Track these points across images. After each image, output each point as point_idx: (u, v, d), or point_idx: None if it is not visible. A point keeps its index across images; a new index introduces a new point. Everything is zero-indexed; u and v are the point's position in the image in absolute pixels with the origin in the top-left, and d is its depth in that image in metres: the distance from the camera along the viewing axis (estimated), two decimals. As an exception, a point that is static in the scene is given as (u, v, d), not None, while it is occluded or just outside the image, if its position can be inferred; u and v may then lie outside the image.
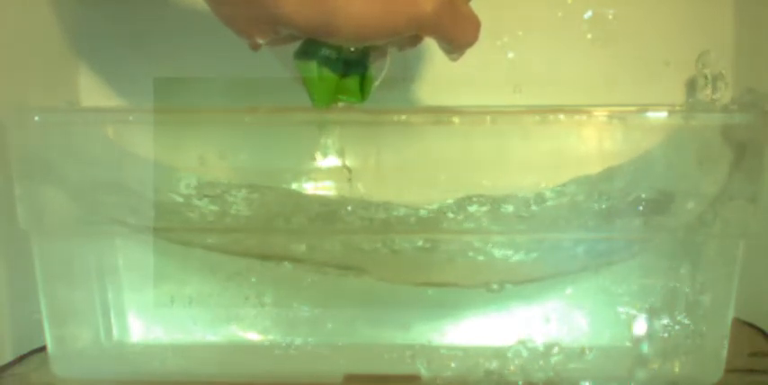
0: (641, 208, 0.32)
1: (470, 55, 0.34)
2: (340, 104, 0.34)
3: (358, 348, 0.36)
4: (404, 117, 0.33)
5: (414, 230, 0.33)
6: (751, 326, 0.41)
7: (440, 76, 0.47)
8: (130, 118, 0.34)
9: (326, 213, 0.33)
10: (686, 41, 0.47)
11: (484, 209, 0.32)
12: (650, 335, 0.34)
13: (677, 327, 0.34)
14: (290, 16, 0.29)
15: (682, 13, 0.47)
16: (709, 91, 0.41)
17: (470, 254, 0.34)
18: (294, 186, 0.34)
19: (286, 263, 0.34)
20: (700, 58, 0.41)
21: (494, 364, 0.34)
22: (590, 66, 0.47)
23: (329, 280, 0.35)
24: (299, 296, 0.36)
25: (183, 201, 0.34)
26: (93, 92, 0.48)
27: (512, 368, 0.34)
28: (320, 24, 0.29)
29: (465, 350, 0.35)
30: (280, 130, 0.34)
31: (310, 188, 0.34)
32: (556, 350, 0.34)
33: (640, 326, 0.34)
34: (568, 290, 0.35)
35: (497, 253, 0.34)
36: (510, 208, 0.32)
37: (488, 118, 0.32)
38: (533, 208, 0.33)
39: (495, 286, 0.34)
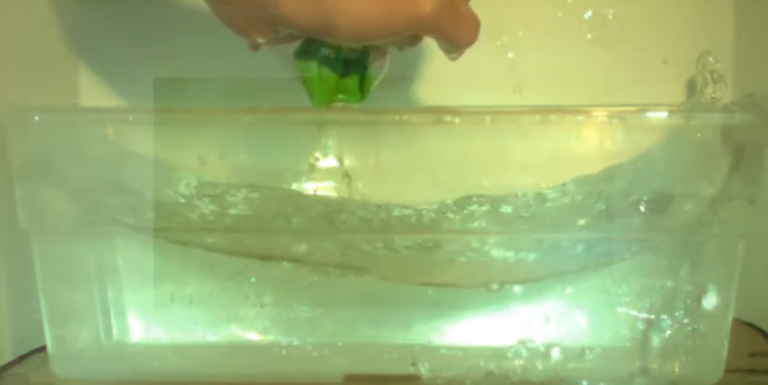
0: (641, 208, 0.32)
1: (470, 55, 0.34)
2: (339, 104, 0.34)
3: (358, 348, 0.36)
4: (403, 117, 0.32)
5: (413, 230, 0.33)
6: (751, 326, 0.41)
7: (439, 75, 0.47)
8: (130, 118, 0.34)
9: (326, 213, 0.33)
10: (686, 41, 0.47)
11: (484, 209, 0.32)
12: (650, 335, 0.34)
13: (677, 327, 0.34)
14: (290, 16, 0.29)
15: (682, 13, 0.47)
16: (709, 91, 0.41)
17: (470, 254, 0.34)
18: (294, 186, 0.34)
19: (285, 263, 0.34)
20: (699, 59, 0.41)
21: (494, 364, 0.34)
22: (590, 66, 0.47)
23: (329, 280, 0.35)
24: (298, 296, 0.36)
25: (183, 201, 0.34)
26: (93, 92, 0.48)
27: (512, 368, 0.34)
28: (320, 24, 0.29)
29: (465, 350, 0.35)
30: (280, 130, 0.34)
31: (310, 188, 0.34)
32: (556, 350, 0.34)
33: (640, 327, 0.34)
34: (568, 291, 0.35)
35: (497, 253, 0.34)
36: (510, 208, 0.32)
37: (488, 118, 0.32)
38: (533, 208, 0.32)
39: (494, 286, 0.34)
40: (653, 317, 0.34)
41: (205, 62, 0.47)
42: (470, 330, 0.36)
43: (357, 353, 0.35)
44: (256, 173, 0.34)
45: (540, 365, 0.34)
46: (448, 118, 0.32)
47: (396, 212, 0.33)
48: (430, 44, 0.34)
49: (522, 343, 0.34)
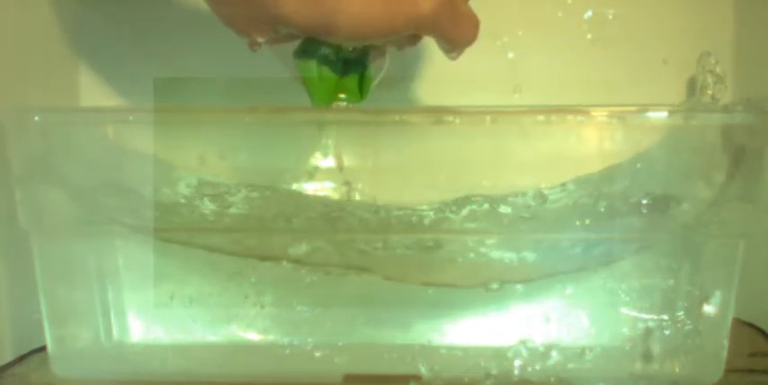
0: (641, 208, 0.32)
1: (470, 55, 0.34)
2: (339, 104, 0.34)
3: (358, 348, 0.36)
4: (403, 117, 0.32)
5: (413, 230, 0.33)
6: (751, 326, 0.42)
7: (439, 75, 0.47)
8: (130, 118, 0.34)
9: (326, 213, 0.33)
10: (686, 41, 0.47)
11: (483, 209, 0.32)
12: (650, 335, 0.34)
13: (677, 327, 0.34)
14: (290, 16, 0.29)
15: (682, 13, 0.47)
16: (709, 92, 0.41)
17: (470, 254, 0.34)
18: (294, 186, 0.34)
19: (285, 263, 0.34)
20: (699, 60, 0.41)
21: (494, 364, 0.34)
22: (590, 66, 0.47)
23: (329, 280, 0.35)
24: (298, 296, 0.36)
25: (183, 201, 0.34)
26: (93, 92, 0.48)
27: (512, 368, 0.34)
28: (319, 24, 0.29)
29: (465, 350, 0.35)
30: (280, 130, 0.34)
31: (310, 188, 0.34)
32: (556, 350, 0.34)
33: (640, 326, 0.34)
34: (568, 291, 0.35)
35: (497, 253, 0.34)
36: (509, 208, 0.32)
37: (488, 118, 0.32)
38: (533, 208, 0.32)
39: (494, 285, 0.34)
40: (653, 317, 0.34)
41: (205, 62, 0.47)
42: (470, 330, 0.36)
43: (357, 353, 0.35)
44: (256, 173, 0.34)
45: (539, 365, 0.34)
46: (448, 118, 0.32)
47: (395, 212, 0.33)
48: (430, 44, 0.34)
49: (523, 343, 0.34)
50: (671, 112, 0.32)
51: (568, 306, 0.35)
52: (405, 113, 0.33)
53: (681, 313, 0.34)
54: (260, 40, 0.31)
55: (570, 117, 0.32)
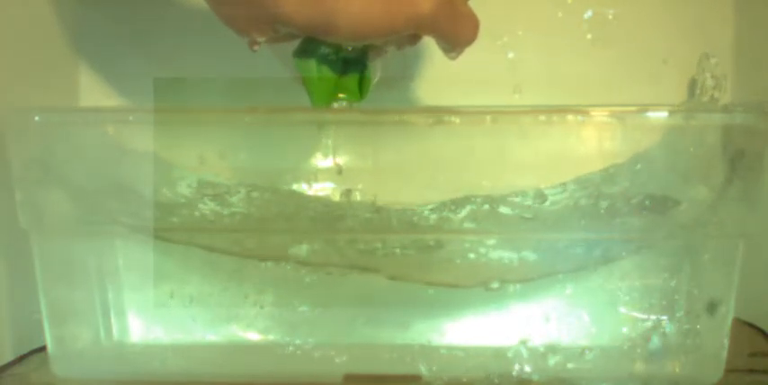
0: (641, 208, 0.32)
1: (470, 55, 0.34)
2: (339, 104, 0.34)
3: (358, 348, 0.36)
4: (403, 117, 0.32)
5: (413, 230, 0.33)
6: (751, 326, 0.42)
7: (439, 75, 0.47)
8: (130, 118, 0.34)
9: (326, 214, 0.33)
10: (686, 41, 0.47)
11: (483, 209, 0.32)
12: (650, 335, 0.34)
13: (677, 327, 0.34)
14: (290, 15, 0.29)
15: (682, 13, 0.47)
16: (709, 92, 0.41)
17: (471, 254, 0.34)
18: (294, 186, 0.34)
19: (286, 263, 0.34)
20: (699, 61, 0.41)
21: (494, 364, 0.34)
22: (590, 66, 0.47)
23: (329, 280, 0.35)
24: (298, 296, 0.36)
25: (183, 201, 0.34)
26: (93, 92, 0.48)
27: (512, 368, 0.34)
28: (319, 23, 0.29)
29: (465, 350, 0.35)
30: (280, 130, 0.34)
31: (310, 188, 0.34)
32: (556, 350, 0.34)
33: (640, 326, 0.34)
34: (568, 291, 0.35)
35: (497, 253, 0.34)
36: (509, 208, 0.32)
37: (488, 118, 0.32)
38: (533, 208, 0.32)
39: (495, 284, 0.34)
40: (653, 317, 0.34)
41: (205, 62, 0.47)
42: (470, 330, 0.36)
43: (357, 353, 0.35)
44: (256, 173, 0.34)
45: (539, 365, 0.34)
46: (448, 118, 0.32)
47: (395, 212, 0.33)
48: (430, 44, 0.34)
49: (523, 343, 0.34)
50: (671, 112, 0.32)
51: (568, 306, 0.35)
52: (405, 113, 0.33)
53: (681, 313, 0.34)
54: (260, 39, 0.31)
55: (570, 117, 0.32)
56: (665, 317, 0.34)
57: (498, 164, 0.33)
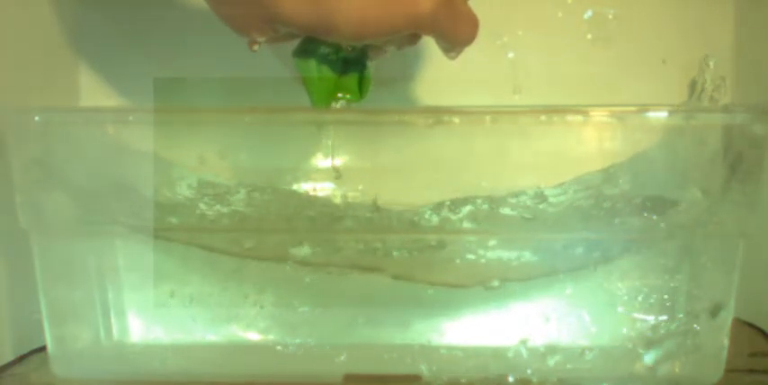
0: (641, 208, 0.32)
1: (470, 55, 0.34)
2: (339, 103, 0.34)
3: (358, 348, 0.36)
4: (403, 117, 0.32)
5: (413, 231, 0.33)
6: (751, 326, 0.42)
7: (439, 75, 0.47)
8: (130, 118, 0.34)
9: (327, 214, 0.33)
10: (686, 42, 0.47)
11: (483, 209, 0.32)
12: (650, 335, 0.34)
13: (677, 327, 0.34)
14: (289, 15, 0.29)
15: (682, 13, 0.47)
16: (709, 93, 0.41)
17: (472, 254, 0.34)
18: (294, 186, 0.34)
19: (287, 263, 0.34)
20: (700, 65, 0.41)
21: (494, 364, 0.34)
22: (590, 66, 0.47)
23: (329, 280, 0.35)
24: (298, 296, 0.36)
25: (183, 201, 0.34)
26: (93, 92, 0.48)
27: (512, 368, 0.34)
28: (319, 23, 0.29)
29: (465, 350, 0.35)
30: (280, 130, 0.34)
31: (310, 188, 0.34)
32: (556, 350, 0.34)
33: (640, 326, 0.34)
34: (568, 291, 0.35)
35: (497, 252, 0.34)
36: (509, 208, 0.32)
37: (488, 118, 0.32)
38: (533, 208, 0.32)
39: (495, 283, 0.34)
40: (653, 316, 0.34)
41: (205, 62, 0.47)
42: (470, 330, 0.36)
43: (357, 353, 0.35)
44: (256, 173, 0.34)
45: (539, 365, 0.34)
46: (448, 118, 0.32)
47: (395, 212, 0.33)
48: (429, 44, 0.34)
49: (523, 343, 0.34)
50: (671, 113, 0.32)
51: (568, 306, 0.35)
52: (404, 113, 0.33)
53: (681, 313, 0.34)
54: (259, 39, 0.31)
55: (570, 117, 0.32)
56: (665, 318, 0.34)
57: (498, 164, 0.33)
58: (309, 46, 0.33)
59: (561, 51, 0.47)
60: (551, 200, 0.33)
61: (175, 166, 0.34)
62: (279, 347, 0.36)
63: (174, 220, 0.34)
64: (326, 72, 0.34)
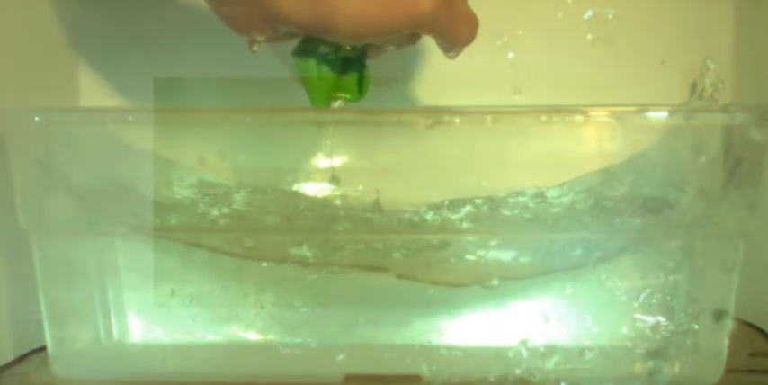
0: (641, 207, 0.32)
1: (470, 55, 0.34)
2: (338, 103, 0.34)
3: (358, 348, 0.36)
4: (403, 117, 0.32)
5: (413, 231, 0.33)
6: (751, 326, 0.41)
7: (439, 75, 0.47)
8: (130, 118, 0.34)
9: (326, 214, 0.33)
10: (686, 42, 0.47)
11: (483, 209, 0.32)
12: (650, 335, 0.34)
13: (677, 327, 0.34)
14: (289, 14, 0.29)
15: (682, 13, 0.47)
16: (709, 94, 0.41)
17: (472, 254, 0.34)
18: (294, 186, 0.34)
19: (284, 263, 0.34)
20: (700, 68, 0.41)
21: (494, 364, 0.34)
22: (590, 66, 0.47)
23: (329, 279, 0.35)
24: (299, 296, 0.36)
25: (183, 201, 0.34)
26: (93, 92, 0.48)
27: (512, 368, 0.34)
28: (319, 22, 0.29)
29: (465, 350, 0.35)
30: (280, 130, 0.34)
31: (310, 188, 0.34)
32: (556, 350, 0.34)
33: (640, 326, 0.34)
34: (568, 291, 0.35)
35: (497, 253, 0.34)
36: (509, 208, 0.32)
37: (489, 118, 0.32)
38: (533, 208, 0.32)
39: (495, 282, 0.34)
40: (653, 316, 0.34)
41: (205, 62, 0.47)
42: (470, 330, 0.36)
43: (357, 353, 0.35)
44: (256, 173, 0.34)
45: (539, 365, 0.34)
46: (448, 118, 0.32)
47: (395, 213, 0.33)
48: (429, 44, 0.34)
49: (523, 343, 0.34)
50: (670, 113, 0.32)
51: (569, 306, 0.35)
52: (404, 113, 0.33)
53: (681, 313, 0.34)
54: (259, 38, 0.31)
55: (570, 117, 0.32)
56: (665, 317, 0.34)
57: (498, 164, 0.33)
58: (309, 45, 0.33)
59: (561, 51, 0.47)
60: (551, 200, 0.33)
61: (176, 166, 0.34)
62: (279, 347, 0.36)
63: (173, 220, 0.34)
64: (326, 71, 0.34)
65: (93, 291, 0.36)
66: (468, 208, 0.33)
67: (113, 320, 0.36)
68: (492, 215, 0.33)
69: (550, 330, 0.35)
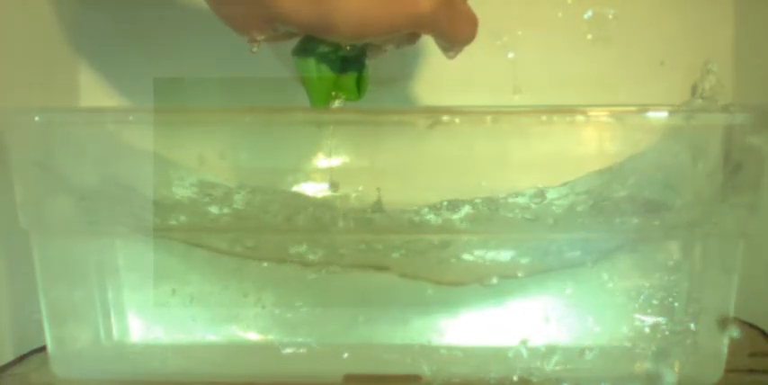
0: (641, 207, 0.32)
1: (470, 55, 0.34)
2: (338, 103, 0.34)
3: (358, 348, 0.36)
4: (403, 117, 0.33)
5: (413, 231, 0.33)
6: (751, 326, 0.41)
7: (439, 75, 0.47)
8: (130, 118, 0.34)
9: (325, 214, 0.33)
10: (686, 42, 0.47)
11: (483, 209, 0.32)
12: (650, 334, 0.34)
13: (677, 327, 0.34)
14: (289, 14, 0.29)
15: (682, 13, 0.47)
16: (709, 94, 0.41)
17: (472, 254, 0.34)
18: (294, 186, 0.34)
19: (286, 263, 0.34)
20: (701, 69, 0.41)
21: (494, 364, 0.34)
22: (590, 66, 0.47)
23: (329, 279, 0.35)
24: (299, 295, 0.36)
25: (183, 201, 0.34)
26: (93, 92, 0.48)
27: (512, 368, 0.34)
28: (318, 22, 0.29)
29: (465, 350, 0.35)
30: (280, 130, 0.34)
31: (309, 188, 0.34)
32: (555, 350, 0.34)
33: (640, 326, 0.34)
34: (568, 291, 0.35)
35: (497, 252, 0.34)
36: (509, 208, 0.32)
37: (489, 118, 0.32)
38: (533, 208, 0.32)
39: (494, 280, 0.34)
40: (653, 317, 0.34)
41: (205, 62, 0.47)
42: (470, 330, 0.36)
43: (357, 353, 0.35)
44: (256, 173, 0.34)
45: (539, 365, 0.34)
46: (448, 118, 0.32)
47: (395, 213, 0.33)
48: (429, 44, 0.34)
49: (523, 343, 0.34)
50: (670, 113, 0.32)
51: (569, 306, 0.35)
52: (404, 113, 0.33)
53: (681, 313, 0.34)
54: (259, 38, 0.31)
55: (570, 117, 0.32)
56: (665, 317, 0.34)
57: (498, 164, 0.33)
58: (309, 45, 0.33)
59: (561, 51, 0.47)
60: (551, 200, 0.33)
61: (176, 166, 0.34)
62: (279, 347, 0.36)
63: (173, 220, 0.34)
64: (325, 71, 0.34)
65: (94, 291, 0.36)
66: (468, 208, 0.33)
67: (113, 320, 0.36)
68: (492, 215, 0.33)
69: (551, 330, 0.35)
